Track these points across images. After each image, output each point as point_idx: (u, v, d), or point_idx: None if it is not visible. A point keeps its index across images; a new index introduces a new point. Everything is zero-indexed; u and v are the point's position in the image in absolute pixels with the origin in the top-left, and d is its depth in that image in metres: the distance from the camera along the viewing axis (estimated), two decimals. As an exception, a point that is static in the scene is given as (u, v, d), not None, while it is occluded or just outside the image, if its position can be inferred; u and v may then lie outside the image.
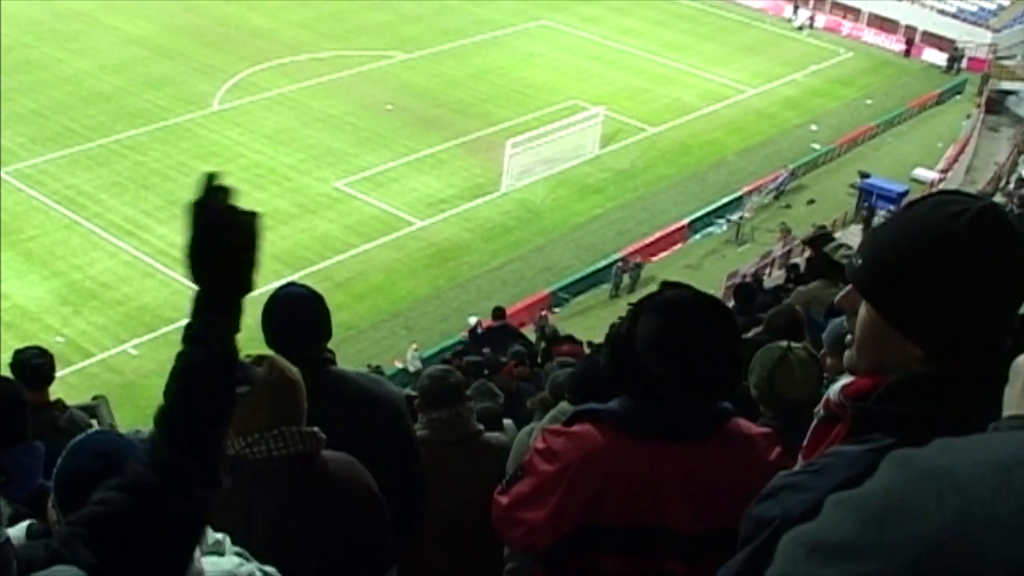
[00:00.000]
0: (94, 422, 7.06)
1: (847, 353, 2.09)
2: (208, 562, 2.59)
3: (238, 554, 2.81)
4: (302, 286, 4.32)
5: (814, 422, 2.13)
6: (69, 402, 6.85)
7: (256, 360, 3.27)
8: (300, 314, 4.11)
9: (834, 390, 2.07)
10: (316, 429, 3.30)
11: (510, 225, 31.29)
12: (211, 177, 2.14)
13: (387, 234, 29.91)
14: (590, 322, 24.93)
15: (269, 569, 2.87)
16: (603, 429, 2.83)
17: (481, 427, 5.35)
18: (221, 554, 2.77)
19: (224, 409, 2.22)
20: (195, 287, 2.18)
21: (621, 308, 20.06)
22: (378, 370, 18.01)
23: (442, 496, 4.59)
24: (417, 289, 27.96)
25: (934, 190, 16.32)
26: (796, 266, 19.00)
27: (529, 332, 22.12)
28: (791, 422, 3.55)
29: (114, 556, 1.99)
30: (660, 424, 2.80)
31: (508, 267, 29.33)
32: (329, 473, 3.34)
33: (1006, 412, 1.21)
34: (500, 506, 3.00)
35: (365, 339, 25.10)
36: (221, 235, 2.16)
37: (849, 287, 2.08)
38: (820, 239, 5.05)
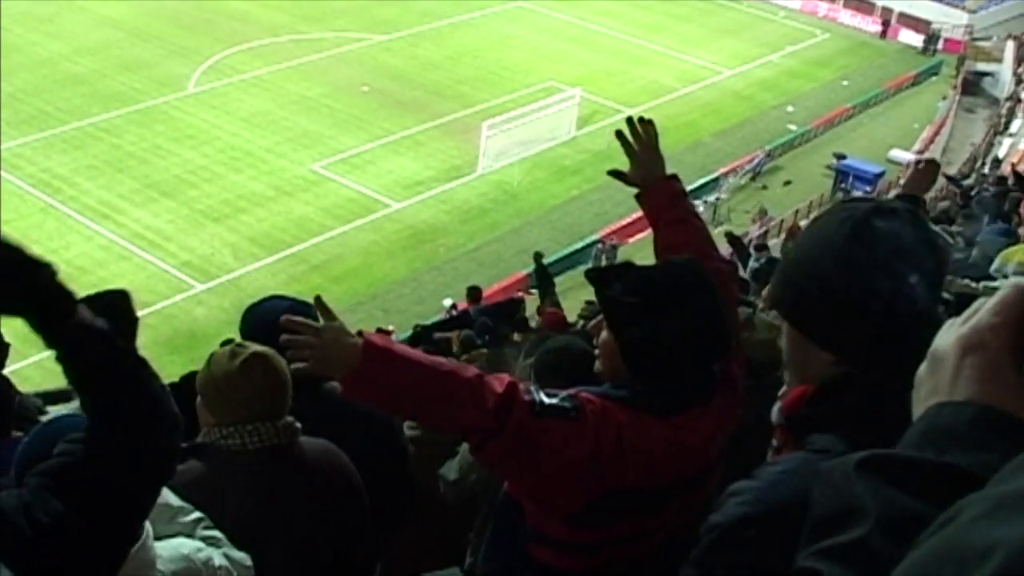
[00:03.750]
0: (59, 408, 6.99)
1: (786, 374, 2.21)
2: (168, 546, 2.57)
3: (208, 538, 2.79)
4: (289, 299, 4.07)
5: (770, 453, 2.24)
6: (45, 388, 6.81)
7: (237, 347, 3.21)
8: None
9: (774, 412, 2.17)
10: (292, 420, 3.24)
11: (487, 207, 31.29)
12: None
13: (363, 216, 29.86)
14: (568, 304, 24.85)
15: (237, 554, 2.83)
16: (620, 407, 2.75)
17: None
18: (190, 535, 2.75)
19: (125, 367, 2.18)
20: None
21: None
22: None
23: (429, 493, 4.61)
24: (394, 271, 27.94)
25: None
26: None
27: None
28: (759, 380, 3.73)
29: (80, 501, 2.05)
30: (670, 399, 2.80)
31: (485, 249, 29.35)
32: (305, 462, 3.28)
33: (930, 400, 1.21)
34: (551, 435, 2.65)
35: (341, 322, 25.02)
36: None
37: None
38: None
